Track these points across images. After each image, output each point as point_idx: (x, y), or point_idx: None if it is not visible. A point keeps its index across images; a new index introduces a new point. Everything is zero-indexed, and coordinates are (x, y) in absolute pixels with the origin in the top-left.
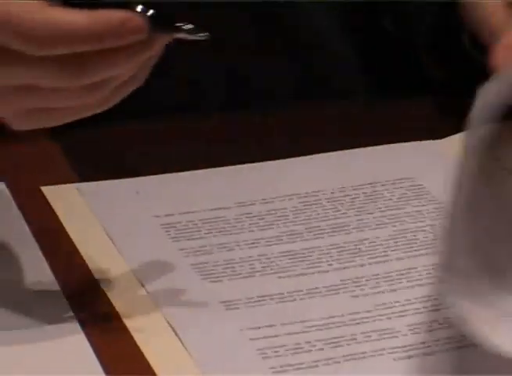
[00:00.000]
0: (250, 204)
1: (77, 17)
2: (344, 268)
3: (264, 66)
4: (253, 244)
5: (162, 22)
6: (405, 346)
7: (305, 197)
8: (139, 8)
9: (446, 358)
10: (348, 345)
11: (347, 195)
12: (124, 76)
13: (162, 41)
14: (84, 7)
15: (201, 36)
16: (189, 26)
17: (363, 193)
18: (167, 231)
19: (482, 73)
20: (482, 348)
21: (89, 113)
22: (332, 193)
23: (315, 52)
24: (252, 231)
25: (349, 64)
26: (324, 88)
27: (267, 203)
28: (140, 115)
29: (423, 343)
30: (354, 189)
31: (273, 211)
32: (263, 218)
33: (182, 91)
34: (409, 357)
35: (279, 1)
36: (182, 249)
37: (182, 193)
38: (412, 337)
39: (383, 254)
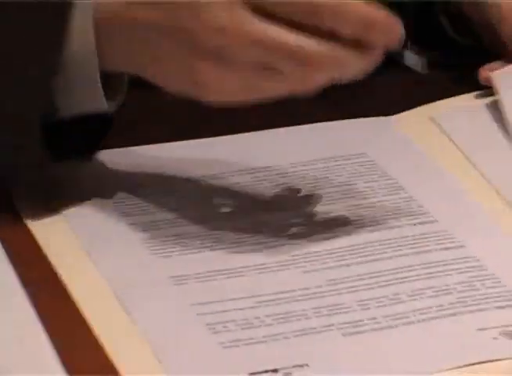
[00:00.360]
0: (213, 178)
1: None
2: (295, 244)
3: None
4: (202, 220)
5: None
6: (354, 321)
7: (257, 172)
8: None
9: (395, 333)
10: (298, 320)
11: (302, 170)
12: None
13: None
14: None
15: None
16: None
17: (315, 168)
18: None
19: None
20: (431, 324)
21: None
22: (284, 168)
23: None
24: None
25: None
26: None
27: (218, 178)
28: None
29: (373, 319)
30: (305, 165)
31: (229, 186)
32: (211, 198)
33: None
34: (359, 333)
35: None
36: (133, 223)
37: (136, 167)
38: (362, 312)
39: (334, 230)
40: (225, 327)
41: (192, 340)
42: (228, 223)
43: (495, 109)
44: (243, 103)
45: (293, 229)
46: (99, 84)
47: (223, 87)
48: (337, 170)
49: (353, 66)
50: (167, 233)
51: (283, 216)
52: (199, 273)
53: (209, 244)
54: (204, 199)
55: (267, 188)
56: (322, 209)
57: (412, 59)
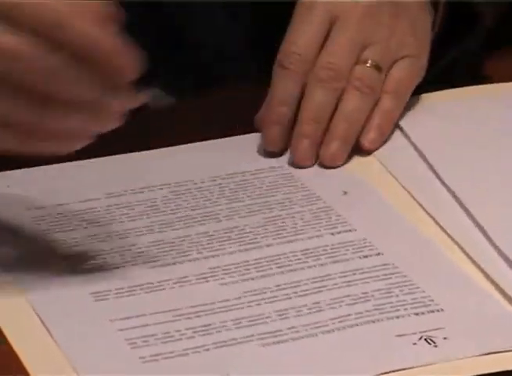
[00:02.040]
0: (120, 195)
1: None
2: (214, 256)
3: None
4: (123, 234)
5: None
6: (274, 332)
7: (175, 186)
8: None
9: (315, 342)
10: (218, 332)
11: (218, 184)
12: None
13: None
14: None
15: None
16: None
17: (233, 181)
18: (37, 224)
19: None
20: (350, 331)
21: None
22: (202, 182)
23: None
24: (122, 222)
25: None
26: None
27: (136, 193)
28: None
29: (293, 328)
30: (223, 179)
31: (143, 202)
32: (133, 209)
33: None
34: (279, 342)
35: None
36: (53, 241)
37: (50, 186)
38: (281, 322)
39: (253, 241)
40: (145, 341)
41: (112, 355)
42: (147, 238)
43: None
44: None
45: (213, 242)
46: None
47: None
48: (255, 182)
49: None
50: (87, 249)
51: (202, 229)
52: (119, 288)
53: (129, 259)
54: (124, 214)
55: (187, 202)
56: (241, 221)
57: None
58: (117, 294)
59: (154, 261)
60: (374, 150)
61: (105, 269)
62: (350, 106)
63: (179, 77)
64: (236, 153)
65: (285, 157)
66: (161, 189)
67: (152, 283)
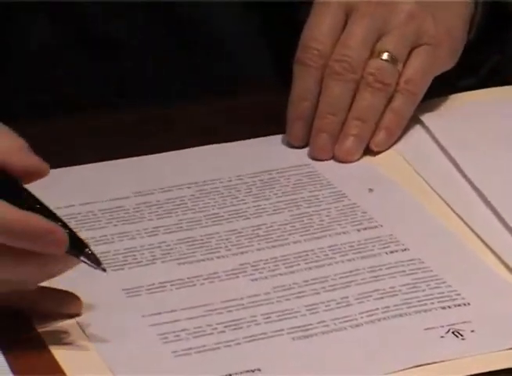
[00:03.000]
0: (149, 194)
1: (11, 211)
2: (243, 252)
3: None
4: (152, 232)
5: (76, 245)
6: (304, 326)
7: (203, 185)
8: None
9: (344, 336)
10: (249, 326)
11: (245, 182)
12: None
13: (70, 262)
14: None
15: (101, 268)
16: (94, 256)
17: (260, 180)
18: (67, 221)
19: None
20: (378, 325)
21: None
22: (229, 181)
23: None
24: (151, 220)
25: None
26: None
27: (165, 191)
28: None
29: (322, 322)
30: (250, 177)
31: (171, 200)
32: (162, 207)
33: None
34: (308, 336)
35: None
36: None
37: (79, 185)
38: (310, 317)
39: (280, 238)
40: (176, 336)
41: (145, 350)
42: (176, 235)
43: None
44: None
45: (241, 239)
46: None
47: None
48: (281, 181)
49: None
50: (118, 247)
51: (230, 227)
52: (150, 285)
53: (159, 256)
54: (153, 212)
55: (214, 200)
56: (268, 219)
57: None
58: (148, 290)
59: (184, 258)
60: (382, 151)
61: (135, 265)
62: (363, 104)
63: (193, 79)
64: (262, 152)
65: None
66: (189, 187)
67: (182, 279)
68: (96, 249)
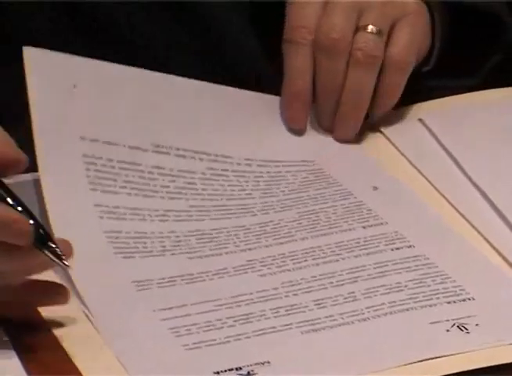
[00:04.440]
0: (165, 153)
1: None
2: (251, 249)
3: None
4: (164, 216)
5: (42, 238)
6: (312, 320)
7: (214, 161)
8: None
9: (351, 330)
10: (258, 320)
11: (253, 171)
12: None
13: (36, 258)
14: None
15: (64, 264)
16: (59, 252)
17: (267, 172)
18: (87, 169)
19: None
20: (385, 319)
21: None
22: (238, 164)
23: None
24: (163, 198)
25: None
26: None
27: (179, 157)
28: None
29: (330, 316)
30: (259, 166)
31: (183, 174)
32: (174, 181)
33: None
34: (317, 330)
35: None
36: (97, 205)
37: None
38: (318, 311)
39: (287, 234)
40: (187, 330)
41: (156, 344)
42: (185, 225)
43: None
44: None
45: (249, 235)
46: None
47: None
48: (288, 177)
49: None
50: (129, 228)
51: (238, 222)
52: (161, 279)
53: (169, 248)
54: (165, 186)
55: (222, 187)
56: (275, 216)
57: None
58: (159, 284)
59: (193, 252)
60: (380, 125)
61: (146, 254)
62: (355, 83)
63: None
64: (276, 141)
65: (316, 152)
66: (201, 160)
67: (192, 274)
68: (109, 223)
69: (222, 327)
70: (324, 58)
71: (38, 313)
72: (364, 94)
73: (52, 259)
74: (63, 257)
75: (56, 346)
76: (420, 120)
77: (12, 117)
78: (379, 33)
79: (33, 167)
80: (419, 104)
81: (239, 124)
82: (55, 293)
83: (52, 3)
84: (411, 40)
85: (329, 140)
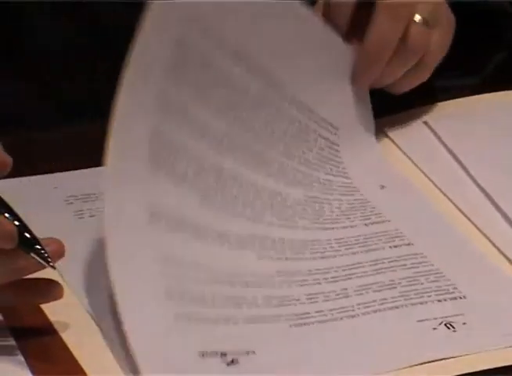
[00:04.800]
0: None
1: None
2: (254, 220)
3: None
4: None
5: (28, 241)
6: (302, 314)
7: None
8: (7, 215)
9: (339, 326)
10: (249, 308)
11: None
12: None
13: (24, 261)
14: None
15: (51, 266)
16: (46, 254)
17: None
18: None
19: None
20: (374, 317)
21: None
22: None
23: None
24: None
25: None
26: None
27: None
28: None
29: (320, 311)
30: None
31: None
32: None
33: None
34: (305, 324)
35: None
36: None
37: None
38: (309, 305)
39: (291, 218)
40: (181, 295)
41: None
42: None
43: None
44: None
45: (257, 204)
46: None
47: None
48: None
49: None
50: None
51: (250, 179)
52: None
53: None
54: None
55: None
56: (284, 189)
57: None
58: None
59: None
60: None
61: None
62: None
63: None
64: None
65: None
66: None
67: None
68: None
69: (213, 304)
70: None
71: (45, 316)
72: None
73: (38, 261)
74: (49, 259)
75: (62, 347)
76: (426, 123)
77: None
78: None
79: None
80: (424, 107)
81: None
82: (50, 290)
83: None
84: (443, 47)
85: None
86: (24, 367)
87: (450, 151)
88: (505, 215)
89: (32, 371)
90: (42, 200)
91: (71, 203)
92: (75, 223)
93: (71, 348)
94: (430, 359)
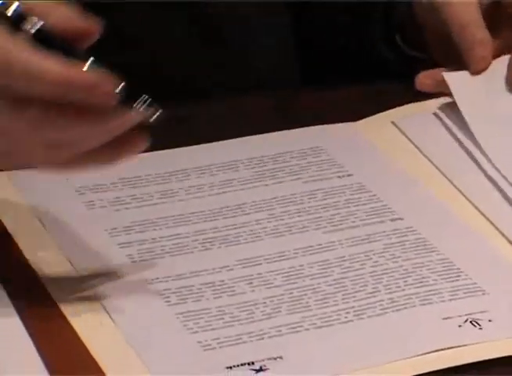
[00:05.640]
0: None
1: (53, 67)
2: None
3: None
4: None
5: (128, 97)
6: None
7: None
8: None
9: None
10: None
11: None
12: (91, 144)
13: (125, 118)
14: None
15: (156, 116)
16: (147, 107)
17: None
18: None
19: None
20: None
21: (53, 171)
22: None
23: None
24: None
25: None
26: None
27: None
28: None
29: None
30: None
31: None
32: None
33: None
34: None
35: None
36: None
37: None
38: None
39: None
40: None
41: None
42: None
43: (452, 111)
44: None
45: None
46: None
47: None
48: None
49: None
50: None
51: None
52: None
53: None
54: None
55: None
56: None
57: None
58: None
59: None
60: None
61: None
62: None
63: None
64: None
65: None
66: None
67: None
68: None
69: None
70: None
71: (61, 313)
72: None
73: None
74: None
75: (78, 343)
76: (435, 114)
77: None
78: None
79: None
80: (434, 100)
81: None
82: (136, 143)
83: None
84: None
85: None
86: (40, 365)
87: (459, 141)
88: None
89: (48, 370)
90: (54, 191)
91: (83, 193)
92: (86, 213)
93: (85, 342)
94: (459, 344)
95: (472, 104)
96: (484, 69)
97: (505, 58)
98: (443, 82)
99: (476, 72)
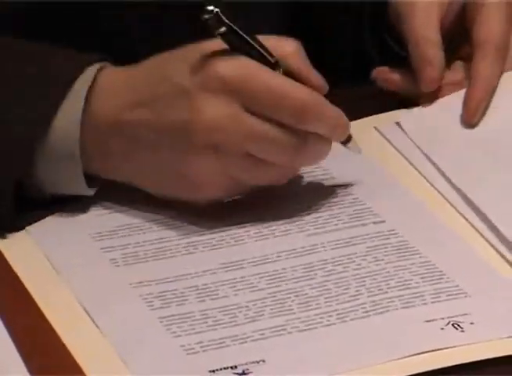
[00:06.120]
0: None
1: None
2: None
3: None
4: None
5: None
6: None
7: None
8: None
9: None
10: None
11: None
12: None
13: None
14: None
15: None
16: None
17: None
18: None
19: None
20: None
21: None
22: None
23: None
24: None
25: None
26: None
27: None
28: None
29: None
30: None
31: None
32: None
33: None
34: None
35: None
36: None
37: None
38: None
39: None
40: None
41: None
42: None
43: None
44: (228, 197)
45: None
46: (82, 177)
47: (213, 180)
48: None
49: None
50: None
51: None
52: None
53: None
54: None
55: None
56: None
57: None
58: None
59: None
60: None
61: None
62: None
63: None
64: None
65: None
66: None
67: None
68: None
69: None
70: None
71: (42, 315)
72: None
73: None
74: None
75: (60, 347)
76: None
77: None
78: None
79: None
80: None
81: None
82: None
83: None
84: None
85: None
86: (22, 367)
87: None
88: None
89: (29, 370)
90: None
91: None
92: (70, 218)
93: (68, 346)
94: (440, 347)
95: (430, 142)
96: (432, 89)
97: (461, 93)
98: (392, 80)
99: (425, 92)
